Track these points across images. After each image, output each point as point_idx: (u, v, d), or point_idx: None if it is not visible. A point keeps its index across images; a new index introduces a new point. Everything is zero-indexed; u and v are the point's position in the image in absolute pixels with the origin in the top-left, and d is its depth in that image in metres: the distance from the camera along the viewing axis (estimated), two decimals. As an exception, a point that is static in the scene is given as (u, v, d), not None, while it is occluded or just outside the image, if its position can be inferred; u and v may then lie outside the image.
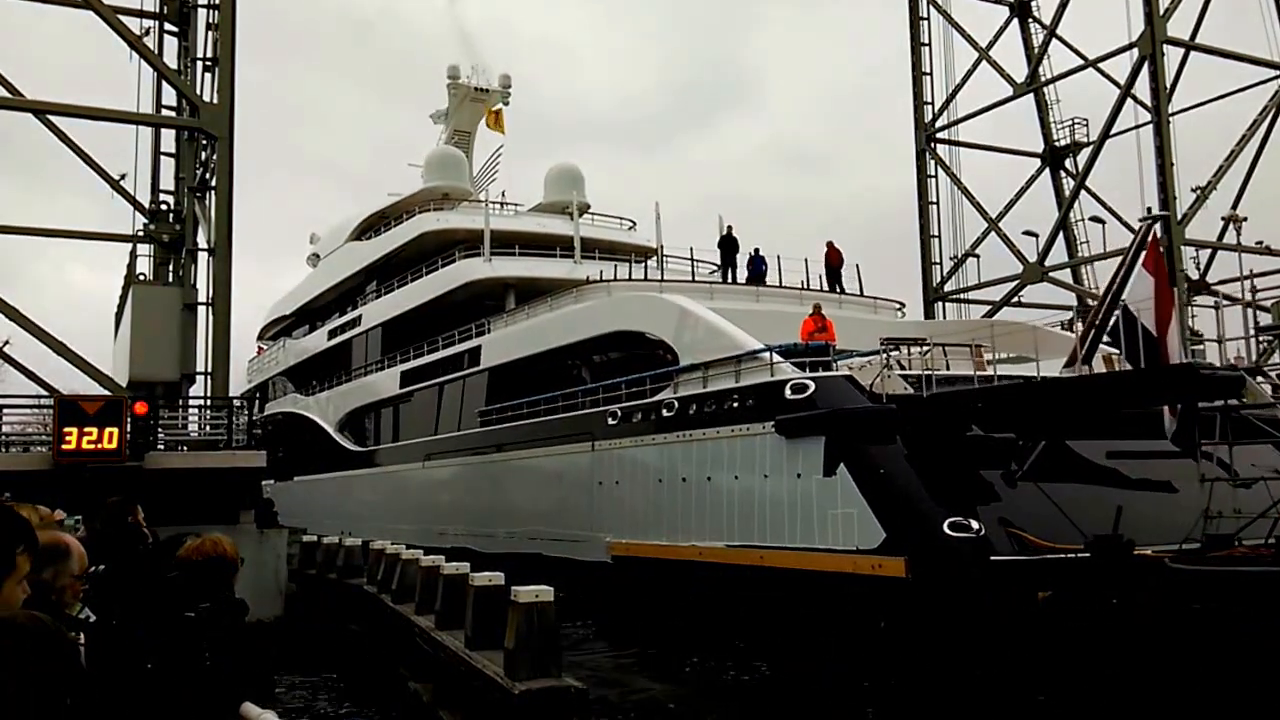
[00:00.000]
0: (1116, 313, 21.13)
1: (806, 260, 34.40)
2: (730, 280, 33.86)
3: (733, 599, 22.59)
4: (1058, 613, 17.88)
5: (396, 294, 44.24)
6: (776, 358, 22.86)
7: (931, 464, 20.23)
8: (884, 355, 22.59)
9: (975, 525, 19.02)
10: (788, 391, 21.99)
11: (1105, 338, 21.86)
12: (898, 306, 34.97)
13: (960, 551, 18.84)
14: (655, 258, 38.89)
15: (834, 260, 34.79)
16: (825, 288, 34.01)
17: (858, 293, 33.85)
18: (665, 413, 25.10)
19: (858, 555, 19.98)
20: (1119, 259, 21.19)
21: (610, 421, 27.10)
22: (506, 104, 51.49)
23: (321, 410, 50.05)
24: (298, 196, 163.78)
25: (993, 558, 18.52)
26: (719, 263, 35.05)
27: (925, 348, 23.13)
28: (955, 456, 20.24)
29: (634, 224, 45.00)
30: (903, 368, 22.58)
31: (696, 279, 34.07)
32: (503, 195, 42.81)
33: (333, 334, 51.05)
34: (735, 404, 23.11)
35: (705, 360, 24.67)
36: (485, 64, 51.92)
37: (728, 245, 34.32)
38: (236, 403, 29.16)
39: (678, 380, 25.43)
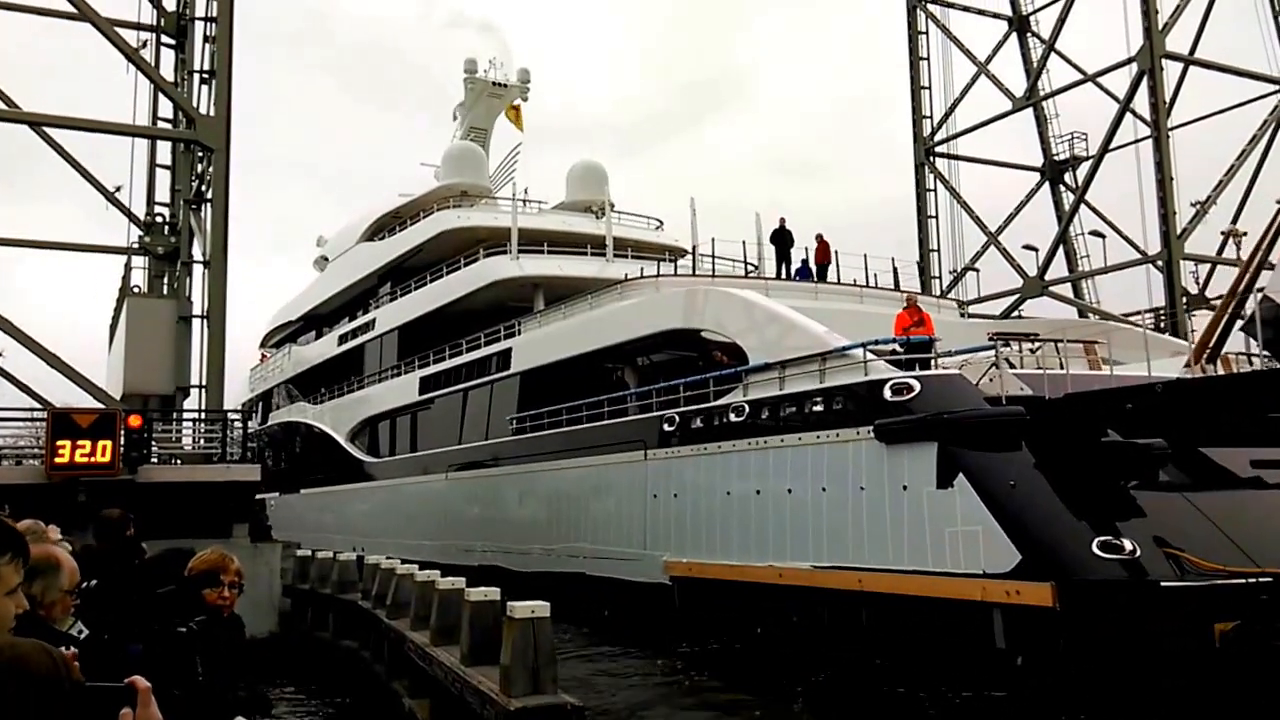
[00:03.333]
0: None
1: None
2: (785, 277, 29.51)
3: (822, 626, 18.57)
4: (1244, 650, 14.03)
5: (414, 295, 39.36)
6: (870, 355, 18.76)
7: (1065, 474, 16.30)
8: (995, 352, 18.44)
9: (1129, 545, 15.13)
10: (888, 392, 17.97)
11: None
12: (956, 304, 30.77)
13: (1116, 576, 15.00)
14: (688, 257, 34.60)
15: (820, 257, 30.25)
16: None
17: (917, 291, 29.71)
18: (734, 417, 20.90)
19: (986, 580, 15.99)
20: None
21: (666, 428, 22.84)
22: (525, 99, 46.95)
23: (331, 419, 44.73)
24: (284, 203, 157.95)
25: (1163, 583, 14.57)
26: (757, 261, 30.78)
27: (1037, 344, 19.12)
28: (1091, 465, 16.29)
29: (660, 223, 40.76)
30: (1011, 366, 18.50)
31: (749, 275, 29.64)
32: (525, 192, 37.86)
33: (343, 339, 45.97)
34: (821, 407, 19.02)
35: (780, 360, 20.53)
36: (505, 57, 47.24)
37: (781, 239, 29.89)
38: (232, 416, 27.24)
39: (748, 382, 21.25)
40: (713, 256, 30.79)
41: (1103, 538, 15.27)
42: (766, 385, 20.56)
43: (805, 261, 29.36)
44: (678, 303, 24.90)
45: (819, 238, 30.54)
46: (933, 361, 18.64)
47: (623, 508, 24.28)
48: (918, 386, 17.72)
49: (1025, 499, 16.17)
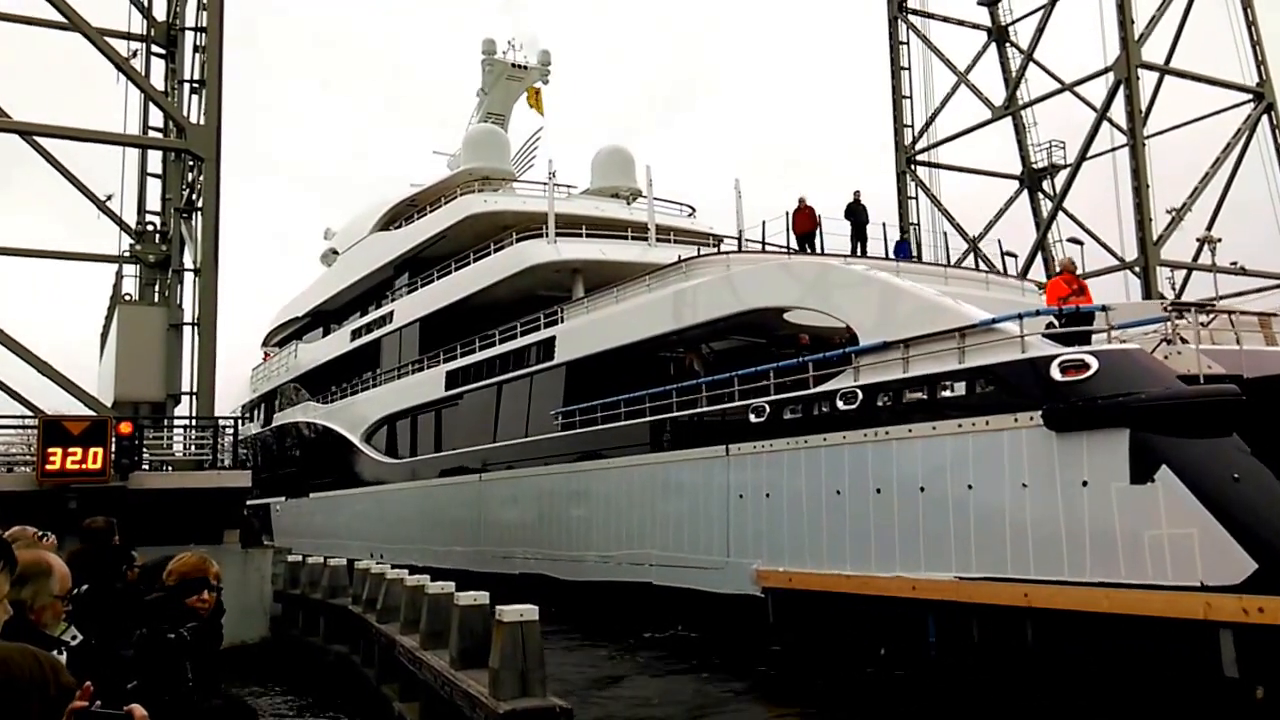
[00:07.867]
0: None
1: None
2: (860, 253, 24.31)
3: (970, 647, 14.34)
4: None
5: (438, 285, 34.11)
6: (1026, 328, 14.49)
7: None
8: (1168, 325, 14.28)
9: None
10: (1055, 371, 13.74)
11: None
12: (1036, 286, 26.25)
13: None
14: (726, 242, 29.97)
15: (802, 226, 25.13)
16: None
17: (1000, 272, 25.33)
18: (843, 405, 16.49)
19: (1208, 594, 11.78)
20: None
21: (754, 419, 18.32)
22: (546, 82, 41.79)
23: (343, 418, 39.09)
24: (280, 207, 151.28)
25: None
26: (797, 243, 26.09)
27: (1212, 315, 15.04)
28: None
29: (693, 209, 36.08)
30: (1184, 342, 14.30)
31: (821, 253, 24.85)
32: (553, 175, 32.10)
33: (356, 334, 40.31)
34: (963, 390, 14.75)
35: (903, 338, 16.15)
36: (528, 36, 42.30)
37: (855, 214, 24.86)
38: (222, 422, 25.61)
39: (859, 364, 16.82)
40: (785, 245, 25.27)
41: (1362, 542, 11.19)
42: (884, 369, 16.22)
43: (904, 239, 24.70)
44: (766, 279, 20.33)
45: (801, 202, 25.46)
46: (1108, 335, 14.32)
47: (700, 510, 19.73)
48: (1094, 364, 13.51)
49: (1255, 496, 12.08)
